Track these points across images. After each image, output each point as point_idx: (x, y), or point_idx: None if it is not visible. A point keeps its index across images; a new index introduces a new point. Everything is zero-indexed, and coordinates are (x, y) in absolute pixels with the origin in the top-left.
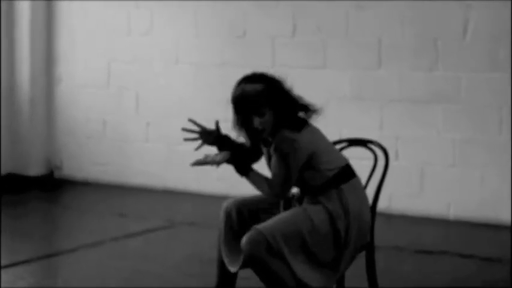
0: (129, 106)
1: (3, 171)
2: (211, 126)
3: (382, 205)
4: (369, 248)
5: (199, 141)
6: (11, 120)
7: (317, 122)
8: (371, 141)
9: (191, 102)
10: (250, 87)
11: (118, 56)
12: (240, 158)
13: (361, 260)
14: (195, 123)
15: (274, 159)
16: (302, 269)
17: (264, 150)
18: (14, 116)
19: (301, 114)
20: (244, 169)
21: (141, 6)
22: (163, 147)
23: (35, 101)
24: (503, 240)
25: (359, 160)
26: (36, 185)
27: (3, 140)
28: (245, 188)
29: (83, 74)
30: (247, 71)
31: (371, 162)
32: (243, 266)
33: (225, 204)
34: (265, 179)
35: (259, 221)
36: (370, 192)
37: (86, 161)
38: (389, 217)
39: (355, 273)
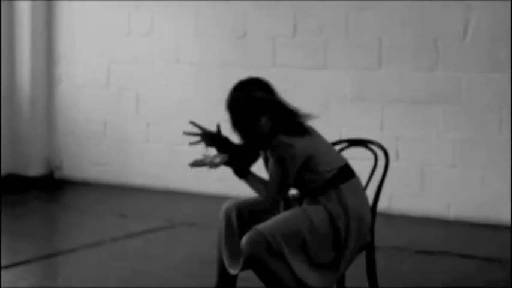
0: (130, 106)
1: (4, 172)
2: (212, 127)
3: (382, 205)
4: (369, 248)
5: (201, 143)
6: (11, 120)
7: (318, 122)
8: (371, 142)
9: (191, 102)
10: (244, 93)
11: (118, 56)
12: (238, 161)
13: (361, 260)
14: (195, 125)
15: (271, 162)
16: (302, 269)
17: (262, 152)
18: (14, 116)
19: (296, 118)
20: (243, 171)
21: (141, 6)
22: (163, 147)
23: (35, 101)
24: (503, 240)
25: (359, 160)
26: (37, 185)
27: (3, 140)
28: (245, 189)
29: (83, 74)
30: (248, 71)
31: (371, 163)
32: (244, 267)
33: (224, 206)
34: (263, 182)
35: (259, 221)
36: (370, 192)
37: (86, 161)
38: (390, 217)
39: (355, 273)
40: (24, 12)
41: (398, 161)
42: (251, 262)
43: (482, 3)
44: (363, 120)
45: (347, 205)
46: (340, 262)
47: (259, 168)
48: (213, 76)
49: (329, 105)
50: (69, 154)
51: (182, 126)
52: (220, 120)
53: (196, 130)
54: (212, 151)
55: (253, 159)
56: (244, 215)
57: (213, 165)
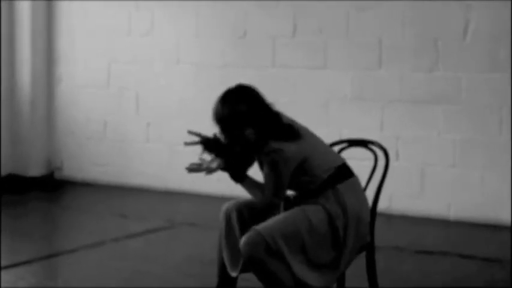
0: (130, 106)
1: (4, 172)
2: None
3: (382, 205)
4: (369, 248)
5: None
6: (12, 120)
7: (318, 122)
8: (371, 142)
9: (191, 102)
10: (228, 108)
11: (118, 56)
12: (235, 165)
13: (361, 260)
14: (193, 133)
15: (265, 167)
16: (301, 269)
17: (256, 157)
18: (15, 116)
19: (285, 120)
20: (239, 176)
21: (141, 6)
22: (163, 147)
23: (35, 101)
24: (503, 241)
25: (359, 160)
26: (37, 185)
27: (3, 141)
28: None
29: (83, 74)
30: (248, 71)
31: (371, 163)
32: (244, 269)
33: (225, 206)
34: (260, 185)
35: (259, 222)
36: (370, 192)
37: (86, 162)
38: (390, 217)
39: (355, 273)
40: (24, 12)
41: (399, 161)
42: (250, 263)
43: (482, 3)
44: (363, 121)
45: (345, 205)
46: (340, 262)
47: (255, 172)
48: (213, 76)
49: (329, 105)
50: (70, 154)
51: (182, 126)
52: None
53: (195, 138)
54: (208, 155)
55: (249, 164)
56: (245, 216)
57: (209, 170)
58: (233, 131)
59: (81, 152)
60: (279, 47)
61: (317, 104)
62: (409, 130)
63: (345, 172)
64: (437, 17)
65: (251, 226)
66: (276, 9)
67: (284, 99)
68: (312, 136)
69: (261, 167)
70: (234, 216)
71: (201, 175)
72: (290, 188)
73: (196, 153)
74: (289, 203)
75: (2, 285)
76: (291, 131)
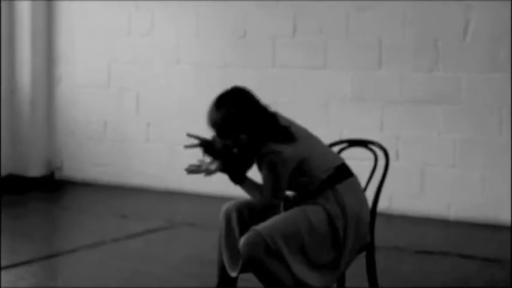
0: (130, 107)
1: (4, 172)
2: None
3: (382, 205)
4: (369, 248)
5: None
6: (12, 121)
7: (318, 122)
8: (371, 142)
9: (191, 102)
10: (221, 112)
11: (118, 56)
12: (233, 167)
13: (361, 260)
14: (192, 136)
15: (263, 169)
16: (301, 269)
17: (255, 158)
18: (15, 116)
19: (283, 122)
20: (239, 178)
21: (141, 6)
22: (163, 147)
23: (35, 101)
24: (503, 241)
25: (359, 161)
26: (37, 185)
27: (3, 141)
28: None
29: (83, 74)
30: (248, 71)
31: (371, 163)
32: (243, 270)
33: (225, 207)
34: (259, 187)
35: (259, 222)
36: (370, 192)
37: (86, 162)
38: (390, 217)
39: (355, 273)
40: (24, 12)
41: (399, 161)
42: (250, 263)
43: (482, 3)
44: (363, 121)
45: (345, 205)
46: (340, 262)
47: (255, 173)
48: (213, 76)
49: (329, 105)
50: (70, 154)
51: (182, 126)
52: None
53: (195, 141)
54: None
55: (249, 165)
56: (245, 216)
57: (208, 172)
58: (229, 135)
59: (81, 152)
60: (279, 47)
61: (317, 104)
62: (409, 130)
63: (344, 172)
64: (437, 17)
65: (251, 226)
66: (276, 9)
67: (284, 99)
68: (311, 137)
69: (260, 168)
70: (234, 216)
71: (200, 176)
72: (289, 189)
73: (196, 154)
74: (289, 203)
75: (2, 285)
76: (287, 133)
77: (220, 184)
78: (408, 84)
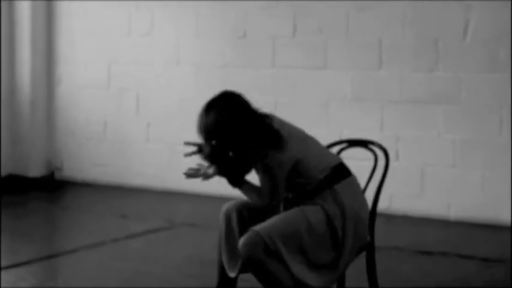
0: (130, 107)
1: (4, 172)
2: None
3: (382, 206)
4: (369, 248)
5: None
6: (12, 121)
7: (318, 122)
8: (371, 142)
9: (191, 102)
10: (210, 118)
11: (118, 56)
12: (229, 172)
13: (361, 260)
14: (190, 144)
15: (260, 172)
16: (301, 269)
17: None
18: (15, 117)
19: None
20: (237, 181)
21: (141, 6)
22: (163, 148)
23: (35, 102)
24: (503, 241)
25: (359, 161)
26: (37, 186)
27: (3, 141)
28: None
29: (83, 75)
30: (248, 71)
31: (371, 163)
32: (242, 270)
33: (224, 207)
34: (257, 189)
35: (259, 222)
36: (370, 192)
37: (86, 162)
38: (390, 217)
39: (355, 273)
40: (24, 12)
41: (399, 161)
42: (249, 263)
43: (482, 3)
44: (363, 121)
45: (343, 205)
46: (339, 262)
47: (254, 176)
48: (213, 76)
49: (329, 106)
50: (70, 155)
51: (182, 127)
52: None
53: (193, 148)
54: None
55: (247, 169)
56: (245, 216)
57: (206, 176)
58: (221, 139)
59: (81, 152)
60: (279, 47)
61: (317, 104)
62: (409, 130)
63: (341, 172)
64: (437, 17)
65: (251, 226)
66: (276, 9)
67: (284, 99)
68: (306, 138)
69: (257, 171)
70: (233, 216)
71: (198, 180)
72: (287, 190)
73: (196, 157)
74: (289, 203)
75: (2, 285)
76: (278, 137)
77: (220, 184)
78: (408, 84)
